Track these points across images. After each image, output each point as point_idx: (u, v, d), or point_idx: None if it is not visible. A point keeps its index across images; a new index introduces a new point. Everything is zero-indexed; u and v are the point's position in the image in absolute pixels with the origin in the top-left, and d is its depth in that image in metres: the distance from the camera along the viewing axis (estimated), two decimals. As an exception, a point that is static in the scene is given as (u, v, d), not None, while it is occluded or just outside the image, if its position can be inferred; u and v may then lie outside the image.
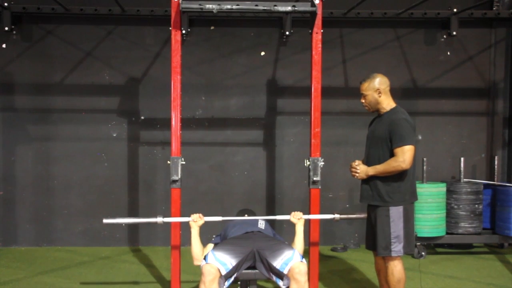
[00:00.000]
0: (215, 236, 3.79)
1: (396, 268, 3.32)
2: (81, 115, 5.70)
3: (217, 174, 5.75)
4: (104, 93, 5.71)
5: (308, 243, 3.93)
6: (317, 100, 3.85)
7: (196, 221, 3.47)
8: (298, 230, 3.49)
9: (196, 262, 3.44)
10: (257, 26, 5.79)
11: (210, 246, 3.50)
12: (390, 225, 3.29)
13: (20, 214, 5.65)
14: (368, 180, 3.39)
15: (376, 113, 3.52)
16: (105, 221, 3.46)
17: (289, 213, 3.58)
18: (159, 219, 3.50)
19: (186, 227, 5.33)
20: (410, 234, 3.34)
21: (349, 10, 5.48)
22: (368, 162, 3.44)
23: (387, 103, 3.42)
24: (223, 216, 3.65)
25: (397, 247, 3.29)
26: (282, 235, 4.27)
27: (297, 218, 3.49)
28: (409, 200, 3.34)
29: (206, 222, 3.52)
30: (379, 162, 3.33)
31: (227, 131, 5.82)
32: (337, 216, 3.53)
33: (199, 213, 3.53)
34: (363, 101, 3.47)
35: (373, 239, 3.41)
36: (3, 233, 5.64)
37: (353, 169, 3.43)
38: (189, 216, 3.51)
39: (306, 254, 3.56)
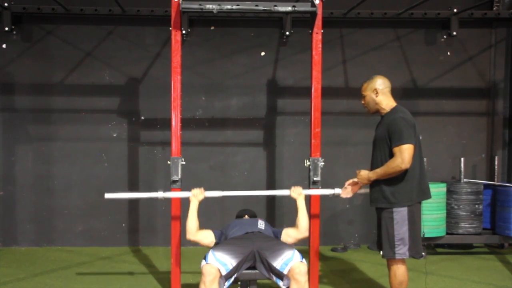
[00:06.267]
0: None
1: (399, 270, 3.30)
2: (81, 115, 5.70)
3: (217, 174, 5.74)
4: (104, 93, 5.71)
5: (308, 243, 3.94)
6: (317, 100, 3.86)
7: (196, 195, 3.52)
8: (300, 205, 3.51)
9: (188, 236, 3.45)
10: (257, 26, 5.79)
11: (210, 232, 3.51)
12: (394, 227, 3.25)
13: (20, 214, 5.65)
14: (374, 184, 3.38)
15: (378, 116, 3.51)
16: (107, 196, 3.50)
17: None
18: (160, 194, 3.55)
19: (185, 227, 5.36)
20: (416, 236, 3.30)
21: (349, 10, 5.48)
22: (372, 165, 3.43)
23: (386, 104, 3.40)
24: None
25: (402, 250, 3.26)
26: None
27: (297, 194, 3.54)
28: (416, 199, 3.29)
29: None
30: (382, 164, 3.30)
31: (227, 131, 5.82)
32: (337, 190, 3.58)
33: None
34: (363, 102, 3.49)
35: (380, 240, 3.39)
36: (3, 233, 5.64)
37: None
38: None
39: (306, 254, 3.56)
